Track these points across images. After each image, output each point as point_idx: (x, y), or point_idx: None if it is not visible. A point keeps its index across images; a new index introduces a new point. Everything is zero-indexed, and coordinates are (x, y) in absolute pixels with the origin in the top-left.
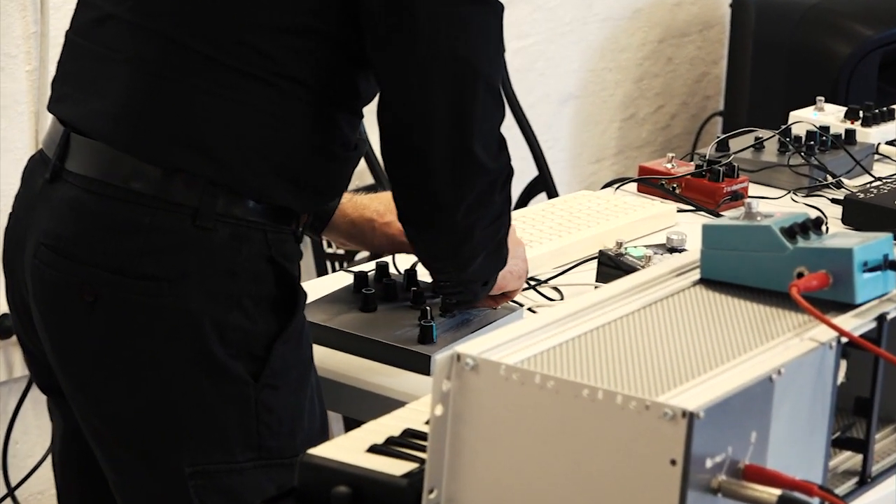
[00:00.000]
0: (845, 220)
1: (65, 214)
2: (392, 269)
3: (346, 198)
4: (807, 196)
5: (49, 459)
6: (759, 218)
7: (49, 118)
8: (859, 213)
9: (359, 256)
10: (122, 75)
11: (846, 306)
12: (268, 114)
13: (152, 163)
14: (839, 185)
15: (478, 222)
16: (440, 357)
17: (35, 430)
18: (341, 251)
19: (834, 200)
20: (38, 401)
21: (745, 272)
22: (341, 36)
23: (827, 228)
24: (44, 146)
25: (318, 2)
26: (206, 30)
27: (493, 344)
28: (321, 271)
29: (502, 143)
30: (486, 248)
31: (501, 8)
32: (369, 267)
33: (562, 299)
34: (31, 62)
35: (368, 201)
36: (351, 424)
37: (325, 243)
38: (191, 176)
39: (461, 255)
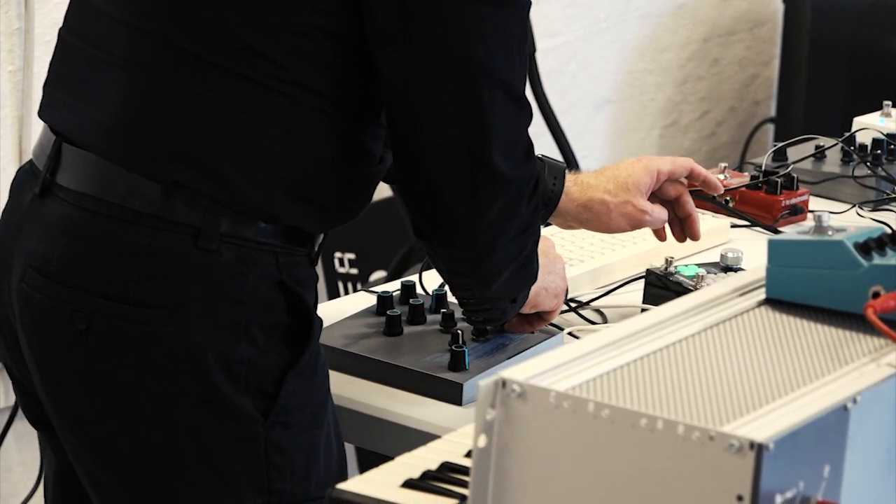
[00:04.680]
0: None
1: (55, 234)
2: (419, 290)
3: (570, 179)
4: (873, 210)
5: (35, 500)
6: (830, 232)
7: (36, 124)
8: None
9: (374, 277)
10: (117, 81)
11: None
12: (276, 125)
13: (150, 178)
14: None
15: (500, 236)
16: (484, 383)
17: (18, 468)
18: (354, 271)
19: None
20: (21, 435)
21: (815, 291)
22: (351, 37)
23: None
24: (34, 157)
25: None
26: (205, 31)
27: (540, 369)
28: (332, 293)
29: (529, 149)
30: (513, 264)
31: (528, 4)
32: (393, 287)
33: (605, 322)
34: (14, 62)
35: (595, 181)
36: (367, 458)
37: (336, 262)
38: (192, 193)
39: (483, 271)
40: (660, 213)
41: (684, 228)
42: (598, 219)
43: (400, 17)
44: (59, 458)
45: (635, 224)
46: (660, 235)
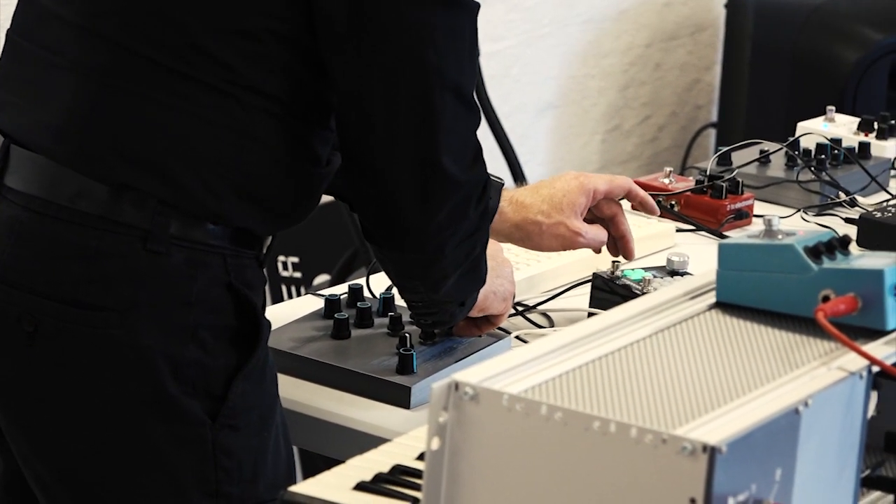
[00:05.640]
0: (860, 241)
1: (3, 236)
2: (366, 293)
3: (506, 197)
4: (818, 215)
5: None
6: (780, 236)
7: None
8: (875, 234)
9: (317, 281)
10: (66, 83)
11: (876, 333)
12: (226, 127)
13: (99, 180)
14: (853, 203)
15: (449, 240)
16: (437, 386)
17: None
18: (298, 274)
19: (847, 220)
20: None
21: (765, 295)
22: (303, 40)
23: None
24: None
25: (277, 3)
26: (155, 33)
27: (493, 372)
28: (276, 296)
29: (478, 153)
30: (460, 267)
31: (476, 7)
32: (340, 290)
33: (551, 326)
34: None
35: (530, 200)
36: (312, 461)
37: (279, 266)
38: (141, 195)
39: (432, 274)
40: (595, 233)
41: (619, 247)
42: (530, 239)
43: (351, 20)
44: (6, 461)
45: (568, 245)
46: (595, 249)
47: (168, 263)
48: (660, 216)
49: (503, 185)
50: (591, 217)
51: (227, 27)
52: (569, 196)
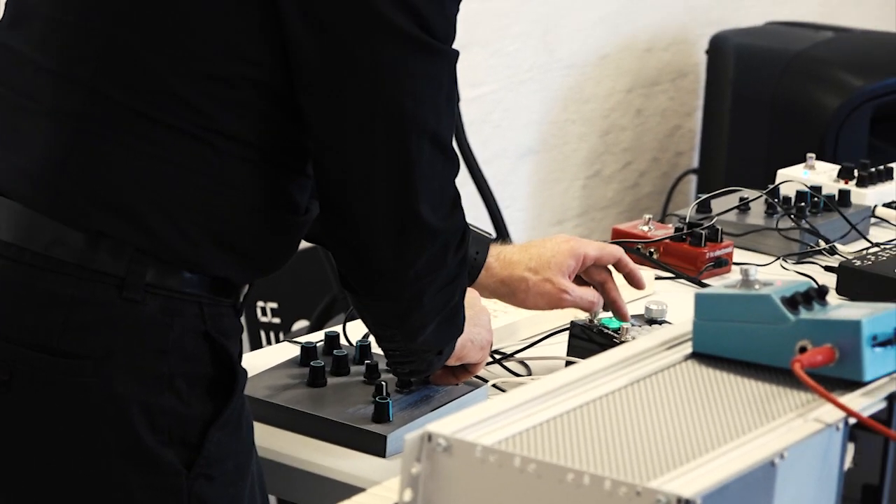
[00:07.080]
0: (840, 289)
1: None
2: (343, 341)
3: (493, 253)
4: (797, 263)
5: None
6: (757, 286)
7: None
8: (855, 282)
9: (296, 326)
10: (42, 129)
11: (854, 384)
12: (201, 174)
13: (75, 227)
14: (833, 252)
15: (427, 288)
16: (409, 437)
17: None
18: (276, 320)
19: (827, 268)
20: None
21: (742, 346)
22: (279, 86)
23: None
24: None
25: (252, 48)
26: (129, 79)
27: (466, 423)
28: (254, 342)
29: (456, 200)
30: (439, 315)
31: (456, 55)
32: (317, 338)
33: (529, 374)
34: None
35: (518, 257)
36: None
37: (258, 311)
38: (117, 242)
39: (410, 323)
40: (582, 293)
41: (612, 312)
42: (516, 295)
43: (326, 66)
44: None
45: (553, 303)
46: (583, 309)
47: (143, 312)
48: (639, 261)
49: (491, 239)
50: (582, 283)
51: (201, 72)
52: (557, 257)
